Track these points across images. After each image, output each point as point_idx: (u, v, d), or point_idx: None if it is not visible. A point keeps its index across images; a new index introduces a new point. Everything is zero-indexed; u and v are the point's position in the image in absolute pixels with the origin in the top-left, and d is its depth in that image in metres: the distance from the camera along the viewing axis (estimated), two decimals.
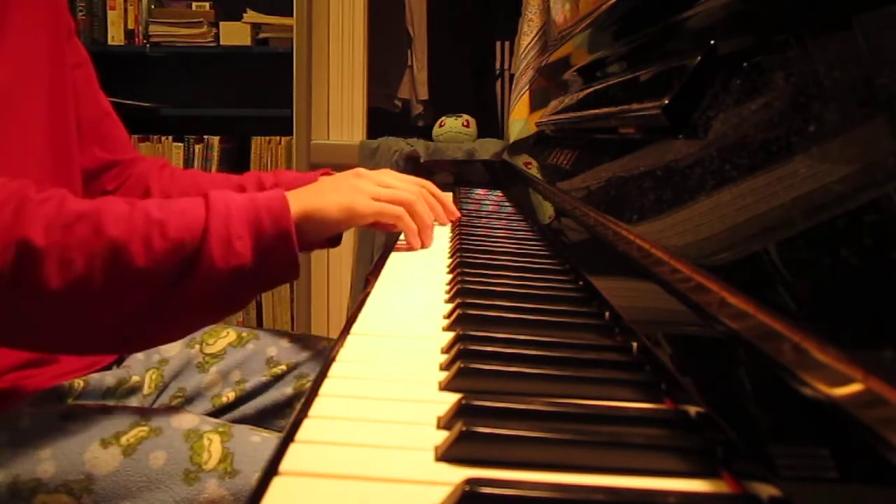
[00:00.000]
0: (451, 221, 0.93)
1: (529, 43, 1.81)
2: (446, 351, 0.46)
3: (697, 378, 0.36)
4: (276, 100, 2.32)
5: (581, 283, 0.63)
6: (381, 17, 2.30)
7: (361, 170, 0.81)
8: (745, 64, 0.46)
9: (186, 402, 0.83)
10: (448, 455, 0.32)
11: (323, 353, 0.89)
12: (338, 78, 2.20)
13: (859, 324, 0.25)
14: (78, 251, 0.53)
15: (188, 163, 2.48)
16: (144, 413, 0.64)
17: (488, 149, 2.04)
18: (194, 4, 2.47)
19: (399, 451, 0.33)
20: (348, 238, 2.06)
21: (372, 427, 0.35)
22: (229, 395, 0.83)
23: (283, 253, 0.60)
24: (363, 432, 0.35)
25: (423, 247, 0.81)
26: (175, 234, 0.56)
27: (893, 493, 0.22)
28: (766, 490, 0.28)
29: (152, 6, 2.47)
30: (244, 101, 2.58)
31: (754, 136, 0.39)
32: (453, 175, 1.62)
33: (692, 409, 0.36)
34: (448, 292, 0.61)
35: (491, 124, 2.47)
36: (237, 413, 0.83)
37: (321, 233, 0.69)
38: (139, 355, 0.84)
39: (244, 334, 0.89)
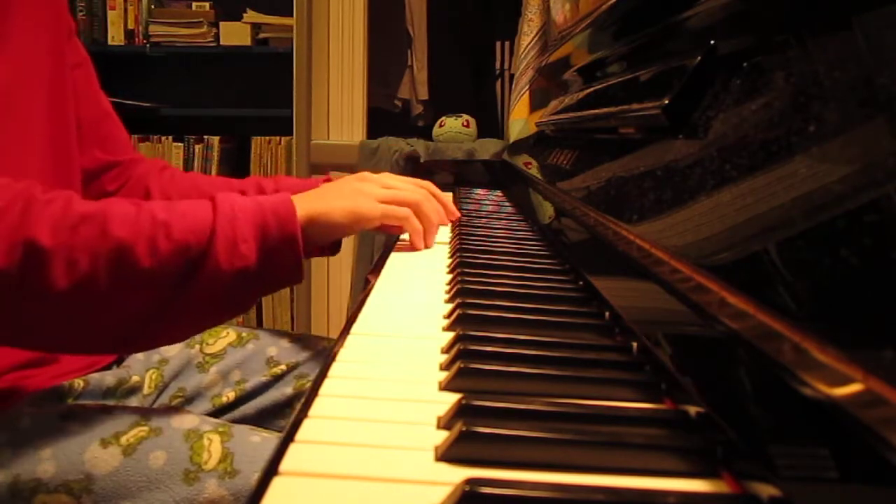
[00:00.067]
0: (451, 221, 0.93)
1: (529, 43, 1.81)
2: (446, 351, 0.46)
3: (697, 378, 0.36)
4: (276, 100, 2.32)
5: (581, 283, 0.63)
6: (381, 17, 2.30)
7: (366, 173, 0.81)
8: (745, 64, 0.46)
9: (186, 402, 0.83)
10: (448, 455, 0.32)
11: (323, 353, 0.89)
12: (338, 78, 2.20)
13: (859, 324, 0.25)
14: (84, 252, 0.53)
15: (188, 163, 2.48)
16: (144, 413, 0.64)
17: (488, 149, 2.04)
18: (194, 4, 2.47)
19: (399, 451, 0.33)
20: (348, 238, 2.05)
21: (372, 427, 0.35)
22: (229, 395, 0.83)
23: (288, 257, 0.60)
24: (363, 432, 0.35)
25: (426, 247, 0.81)
26: (181, 236, 0.56)
27: (893, 493, 0.22)
28: (766, 490, 0.28)
29: (152, 6, 2.47)
30: (244, 101, 2.58)
31: (754, 136, 0.39)
32: (453, 175, 1.62)
33: (692, 409, 0.36)
34: (448, 292, 0.61)
35: (491, 124, 2.47)
36: (237, 413, 0.83)
37: (326, 237, 0.69)
38: (139, 355, 0.84)
39: (244, 334, 0.89)
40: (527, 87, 1.78)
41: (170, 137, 2.49)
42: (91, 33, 2.43)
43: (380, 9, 2.27)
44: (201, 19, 2.42)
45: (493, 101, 2.68)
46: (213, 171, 2.47)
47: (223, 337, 0.88)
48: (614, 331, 0.51)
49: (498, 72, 2.68)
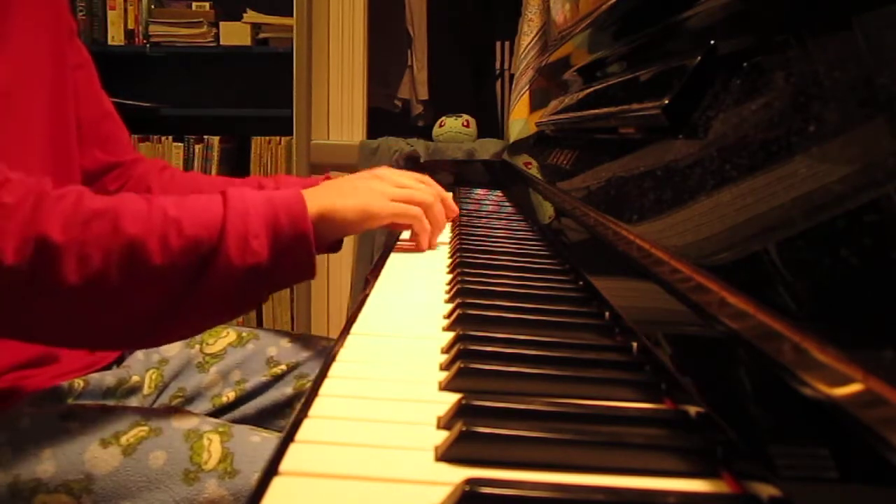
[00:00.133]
0: (451, 220, 0.93)
1: (529, 43, 1.81)
2: (446, 351, 0.46)
3: (697, 378, 0.36)
4: (276, 100, 2.32)
5: (581, 283, 0.63)
6: (381, 17, 2.30)
7: (379, 170, 0.80)
8: (745, 64, 0.46)
9: (186, 402, 0.83)
10: (448, 455, 0.32)
11: (323, 353, 0.89)
12: (338, 78, 2.20)
13: (859, 324, 0.25)
14: (95, 248, 0.53)
15: (188, 163, 2.48)
16: (144, 413, 0.64)
17: (488, 149, 2.04)
18: (194, 4, 2.47)
19: (399, 451, 0.33)
20: (348, 238, 2.05)
21: (372, 427, 0.35)
22: (229, 395, 0.83)
23: (299, 252, 0.60)
24: (363, 432, 0.35)
25: (430, 248, 0.81)
26: (192, 232, 0.56)
27: (893, 493, 0.22)
28: (766, 490, 0.28)
29: (152, 6, 2.47)
30: (244, 101, 2.58)
31: (754, 136, 0.39)
32: (453, 175, 1.62)
33: (692, 409, 0.36)
34: (448, 292, 0.61)
35: (491, 124, 2.47)
36: (237, 413, 0.83)
37: (336, 233, 0.69)
38: (139, 355, 0.84)
39: (244, 334, 0.89)
40: (527, 87, 1.78)
41: (170, 137, 2.49)
42: (91, 33, 2.43)
43: (380, 9, 2.27)
44: (201, 19, 2.42)
45: (493, 101, 2.68)
46: (213, 171, 2.47)
47: (223, 337, 0.88)
48: (614, 331, 0.51)
49: (498, 72, 2.68)
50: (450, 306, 0.56)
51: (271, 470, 0.30)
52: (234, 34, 2.41)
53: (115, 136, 0.89)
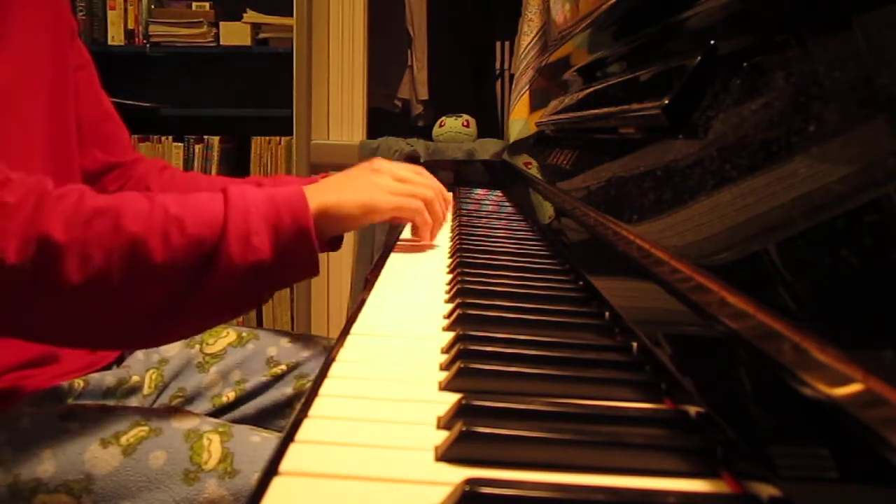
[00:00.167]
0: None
1: (529, 43, 1.81)
2: (446, 351, 0.46)
3: (697, 378, 0.36)
4: (276, 100, 2.32)
5: (581, 283, 0.63)
6: (381, 17, 2.30)
7: (378, 162, 0.79)
8: (745, 64, 0.46)
9: (186, 402, 0.83)
10: (448, 455, 0.32)
11: (323, 353, 0.89)
12: (338, 78, 2.20)
13: (859, 324, 0.25)
14: (97, 247, 0.53)
15: (188, 163, 2.48)
16: (144, 413, 0.64)
17: (488, 149, 2.04)
18: (194, 4, 2.47)
19: (399, 451, 0.33)
20: (348, 238, 2.05)
21: (372, 427, 0.35)
22: (229, 395, 0.83)
23: (301, 249, 0.60)
24: (363, 432, 0.35)
25: (430, 241, 0.81)
26: (193, 231, 0.56)
27: (893, 493, 0.22)
28: (766, 490, 0.28)
29: (152, 6, 2.47)
30: (244, 101, 2.58)
31: (754, 136, 0.39)
32: (453, 175, 1.62)
33: (692, 409, 0.36)
34: (448, 292, 0.61)
35: (491, 124, 2.47)
36: (237, 413, 0.83)
37: (338, 228, 0.69)
38: (139, 355, 0.84)
39: (244, 334, 0.89)
40: (527, 87, 1.78)
41: (170, 137, 2.49)
42: (91, 33, 2.43)
43: (380, 9, 2.27)
44: (201, 19, 2.42)
45: (493, 101, 2.68)
46: (213, 171, 2.47)
47: (223, 337, 0.88)
48: (614, 331, 0.51)
49: (498, 72, 2.68)
50: (450, 306, 0.56)
51: (271, 470, 0.30)
52: (234, 34, 2.41)
53: (115, 136, 0.89)
